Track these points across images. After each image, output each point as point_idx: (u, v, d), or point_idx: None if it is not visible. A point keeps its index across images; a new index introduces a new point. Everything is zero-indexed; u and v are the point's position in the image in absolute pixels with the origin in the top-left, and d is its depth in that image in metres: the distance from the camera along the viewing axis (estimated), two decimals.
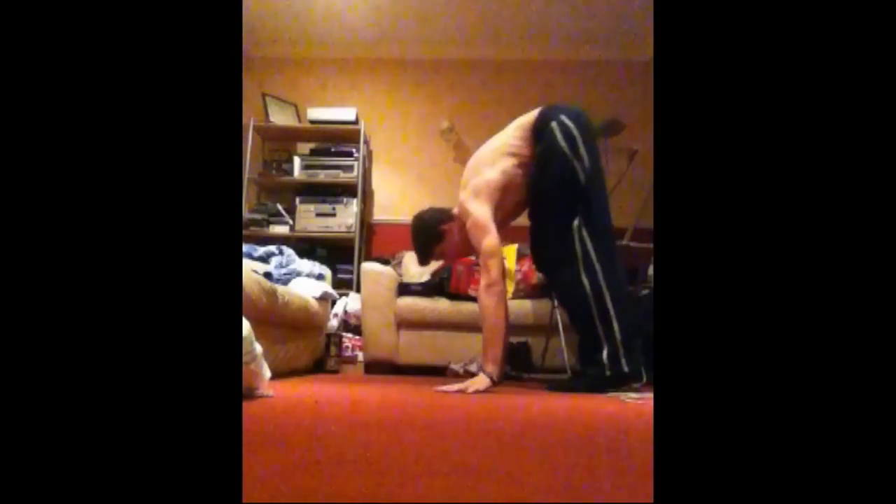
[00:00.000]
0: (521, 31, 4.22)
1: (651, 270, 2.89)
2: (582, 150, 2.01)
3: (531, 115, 2.15)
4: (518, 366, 2.79)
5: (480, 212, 2.03)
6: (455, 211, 2.18)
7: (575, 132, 2.02)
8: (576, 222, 1.99)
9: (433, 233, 2.18)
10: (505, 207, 2.12)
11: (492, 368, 1.89)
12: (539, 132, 2.08)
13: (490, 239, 1.99)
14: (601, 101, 4.31)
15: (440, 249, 2.20)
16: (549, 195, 2.05)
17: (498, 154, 2.12)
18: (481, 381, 1.84)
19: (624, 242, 2.66)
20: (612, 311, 1.96)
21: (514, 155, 2.11)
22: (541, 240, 2.11)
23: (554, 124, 2.03)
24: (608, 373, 1.96)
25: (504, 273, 2.92)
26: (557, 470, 0.65)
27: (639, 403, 1.61)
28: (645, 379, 2.33)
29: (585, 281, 1.96)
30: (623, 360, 1.96)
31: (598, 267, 1.96)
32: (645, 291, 2.86)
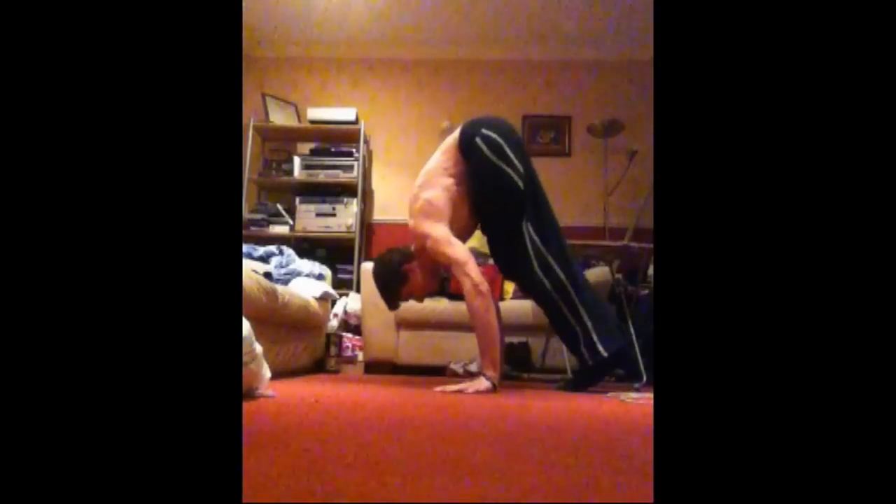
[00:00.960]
0: (521, 31, 4.22)
1: (651, 270, 2.90)
2: (511, 156, 2.03)
3: (454, 137, 2.15)
4: (518, 366, 2.79)
5: (437, 229, 2.01)
6: (413, 247, 2.16)
7: (500, 141, 2.04)
8: (523, 226, 2.03)
9: (397, 275, 2.15)
10: (458, 224, 2.10)
11: (492, 374, 1.87)
12: (465, 151, 2.08)
13: (456, 248, 1.99)
14: (601, 101, 4.32)
15: (407, 290, 2.17)
16: (493, 207, 2.08)
17: (433, 176, 2.11)
18: (481, 384, 1.84)
19: (624, 242, 2.66)
20: (576, 300, 2.01)
21: (449, 175, 2.10)
22: (497, 249, 2.16)
23: (478, 140, 2.04)
24: (590, 363, 1.99)
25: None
26: (557, 470, 0.65)
27: (639, 403, 1.61)
28: (645, 379, 2.33)
29: (543, 278, 2.02)
30: (599, 346, 1.98)
31: (551, 261, 2.02)
32: (645, 291, 2.86)
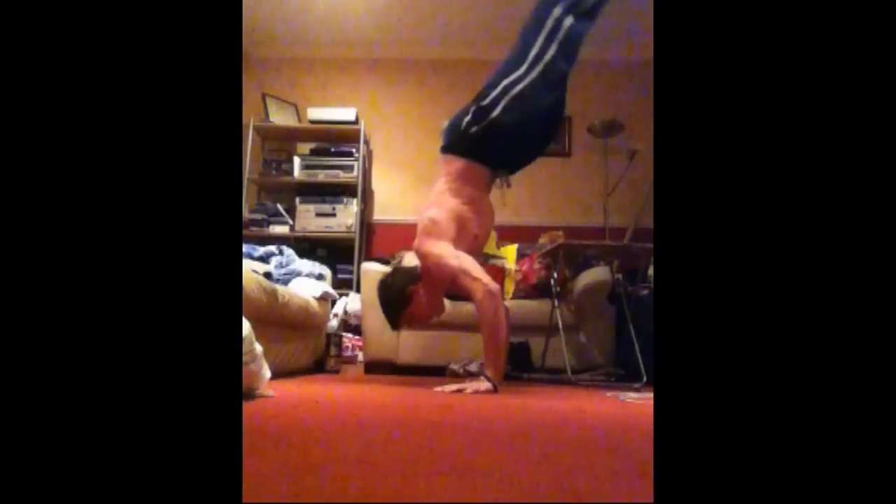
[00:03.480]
0: None
1: (651, 270, 2.90)
2: (487, 102, 2.04)
3: (449, 160, 2.14)
4: (518, 366, 2.79)
5: (439, 247, 2.00)
6: (419, 268, 2.14)
7: (471, 108, 2.07)
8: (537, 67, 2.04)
9: (400, 298, 2.11)
10: (464, 245, 2.08)
11: (494, 375, 1.86)
12: (470, 143, 2.07)
13: (461, 258, 1.97)
14: (601, 101, 4.32)
15: (409, 312, 2.14)
16: (531, 129, 2.09)
17: (440, 197, 2.09)
18: (482, 383, 1.83)
19: (624, 242, 2.66)
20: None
21: (457, 196, 2.08)
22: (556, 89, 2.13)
23: (463, 124, 2.06)
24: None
25: (505, 274, 2.89)
26: (557, 470, 0.65)
27: (639, 403, 1.61)
28: (645, 379, 2.33)
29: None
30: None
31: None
32: (645, 291, 2.86)
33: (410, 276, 2.15)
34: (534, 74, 2.03)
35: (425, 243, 2.02)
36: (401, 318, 2.16)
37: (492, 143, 2.05)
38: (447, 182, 2.11)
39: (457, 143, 2.10)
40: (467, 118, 2.05)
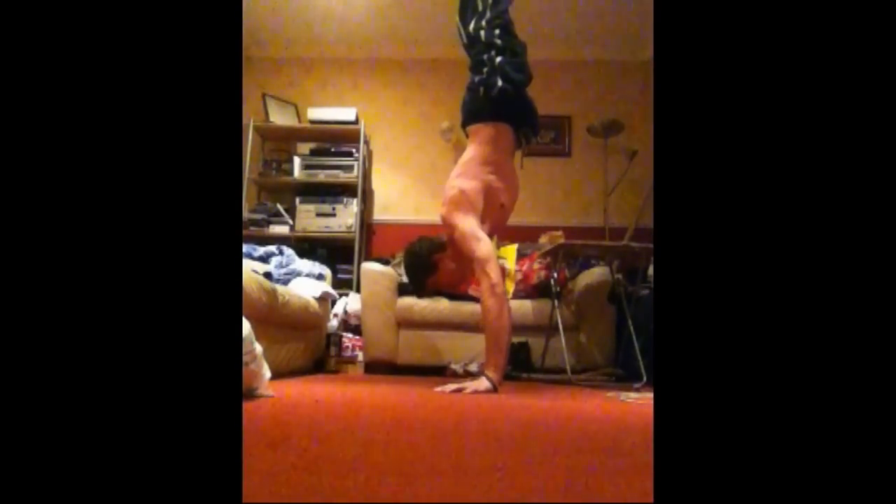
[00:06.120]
0: (522, 31, 4.21)
1: (651, 270, 2.90)
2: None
3: (477, 129, 2.18)
4: (518, 366, 2.79)
5: (465, 222, 2.02)
6: (445, 238, 2.16)
7: (473, 94, 2.18)
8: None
9: (426, 265, 2.15)
10: (491, 216, 2.10)
11: (494, 375, 1.85)
12: (494, 110, 2.13)
13: (483, 245, 1.98)
14: (601, 101, 4.32)
15: (434, 279, 2.17)
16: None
17: (473, 167, 2.11)
18: (481, 383, 1.83)
19: (624, 242, 2.66)
20: None
21: (488, 164, 2.11)
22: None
23: (480, 92, 2.12)
24: None
25: (505, 274, 2.90)
26: (557, 470, 0.65)
27: (639, 403, 1.61)
28: (645, 379, 2.33)
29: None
30: None
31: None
32: (645, 291, 2.86)
33: (435, 243, 2.17)
34: (502, 37, 2.18)
35: (452, 214, 2.04)
36: (426, 285, 2.19)
37: (513, 101, 2.11)
38: (476, 149, 2.13)
39: (481, 109, 2.13)
40: (482, 88, 2.10)
